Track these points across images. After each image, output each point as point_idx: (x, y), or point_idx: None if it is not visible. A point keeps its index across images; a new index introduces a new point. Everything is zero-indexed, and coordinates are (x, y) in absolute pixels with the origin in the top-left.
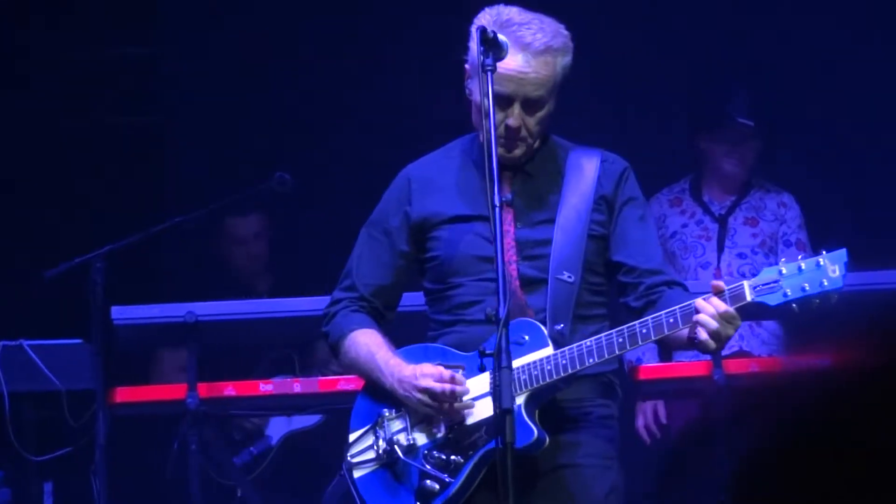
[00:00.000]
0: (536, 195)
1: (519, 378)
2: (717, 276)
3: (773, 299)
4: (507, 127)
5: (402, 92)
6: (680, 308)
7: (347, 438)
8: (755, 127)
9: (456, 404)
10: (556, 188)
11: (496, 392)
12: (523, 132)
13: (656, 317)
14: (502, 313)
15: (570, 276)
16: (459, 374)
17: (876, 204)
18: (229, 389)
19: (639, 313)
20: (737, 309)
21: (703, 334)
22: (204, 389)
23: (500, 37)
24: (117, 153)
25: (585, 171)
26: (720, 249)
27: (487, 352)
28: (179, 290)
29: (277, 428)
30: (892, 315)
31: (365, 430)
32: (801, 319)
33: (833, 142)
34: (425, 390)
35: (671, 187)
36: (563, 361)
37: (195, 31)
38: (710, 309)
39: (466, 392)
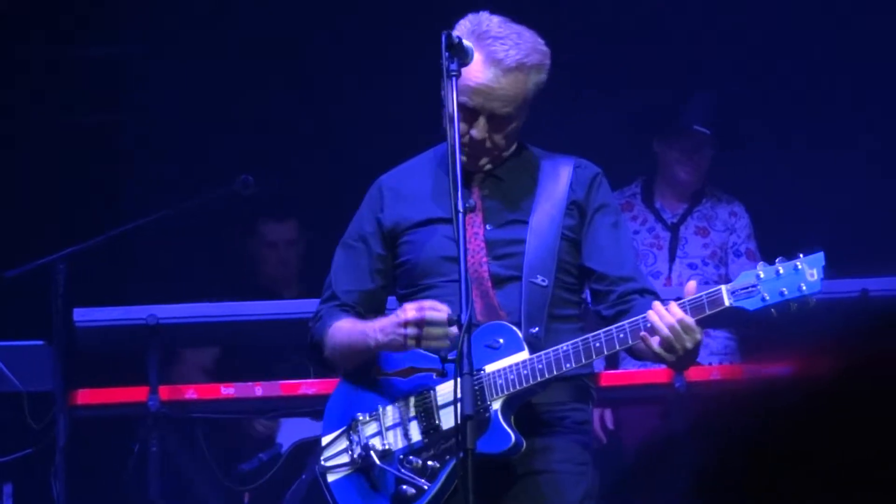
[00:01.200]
0: (507, 198)
1: (495, 382)
2: (668, 286)
3: (751, 304)
4: (472, 138)
5: (377, 97)
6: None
7: (320, 442)
8: (710, 135)
9: (441, 331)
10: (528, 193)
11: (462, 398)
12: (488, 144)
13: (633, 321)
14: (464, 319)
15: (543, 280)
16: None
17: (832, 212)
18: (190, 392)
19: (610, 321)
20: (713, 315)
21: (654, 343)
22: (165, 392)
23: (466, 42)
24: (81, 154)
25: (558, 177)
26: (671, 259)
27: (449, 358)
28: (142, 291)
29: (288, 434)
30: (852, 324)
31: (338, 433)
32: (758, 328)
33: (787, 149)
34: (407, 322)
35: (622, 191)
36: (540, 366)
37: (159, 31)
38: (663, 314)
39: (447, 314)
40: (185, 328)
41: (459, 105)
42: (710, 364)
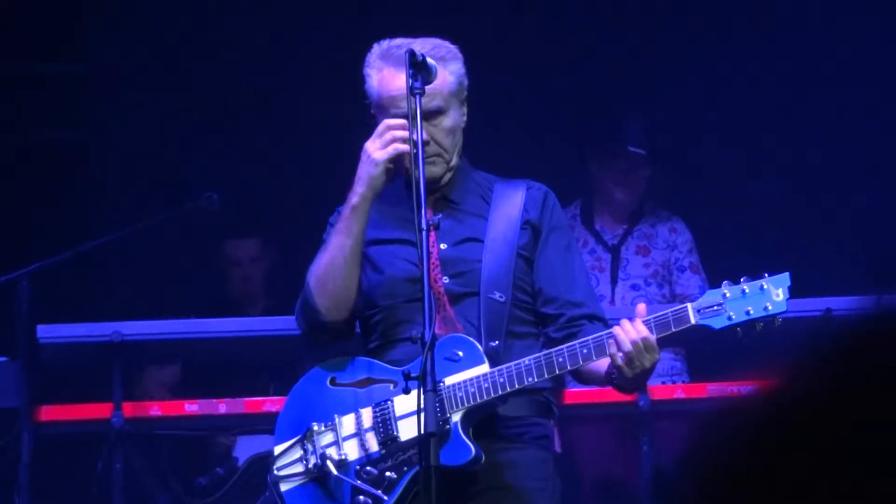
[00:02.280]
0: (460, 219)
1: (455, 395)
2: (612, 306)
3: (717, 322)
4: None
5: (343, 112)
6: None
7: (272, 451)
8: (647, 155)
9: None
10: (481, 214)
11: (425, 415)
12: (433, 146)
13: (597, 337)
14: (428, 336)
15: (501, 296)
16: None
17: (795, 231)
18: (155, 409)
19: (558, 344)
20: (677, 333)
21: (617, 358)
22: (129, 409)
23: (429, 60)
24: (45, 170)
25: (511, 198)
26: (613, 281)
27: (412, 375)
28: (107, 308)
29: (245, 449)
30: (815, 342)
31: (292, 442)
32: (703, 348)
33: (726, 168)
34: (381, 133)
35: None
36: (501, 380)
37: (124, 47)
38: (628, 329)
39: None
40: (149, 345)
41: (396, 117)
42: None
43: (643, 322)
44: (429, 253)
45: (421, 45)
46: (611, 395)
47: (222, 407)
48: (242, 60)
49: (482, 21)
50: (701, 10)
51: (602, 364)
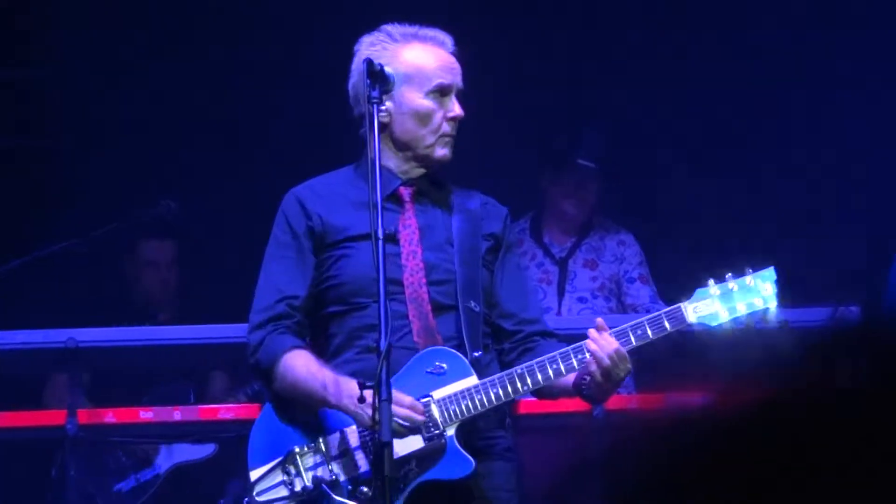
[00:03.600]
0: (435, 217)
1: (448, 409)
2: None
3: (713, 319)
4: (455, 119)
5: (305, 116)
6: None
7: (248, 476)
8: (597, 168)
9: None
10: (448, 217)
11: (381, 425)
12: (454, 127)
13: (577, 346)
14: (383, 346)
15: (475, 306)
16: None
17: (751, 245)
18: (109, 416)
19: (512, 358)
20: (676, 335)
21: (597, 375)
22: (84, 416)
23: (387, 69)
24: (2, 176)
25: (472, 208)
26: (560, 294)
27: (367, 384)
28: (61, 315)
29: (167, 457)
30: (771, 353)
31: (272, 466)
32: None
33: (678, 183)
34: (406, 417)
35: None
36: (495, 391)
37: (83, 53)
38: (602, 343)
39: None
40: (104, 352)
41: (437, 87)
42: None
43: (632, 327)
44: (410, 252)
45: (445, 34)
46: (565, 405)
47: (177, 414)
48: (202, 63)
49: (441, 25)
50: (657, 22)
51: (570, 376)
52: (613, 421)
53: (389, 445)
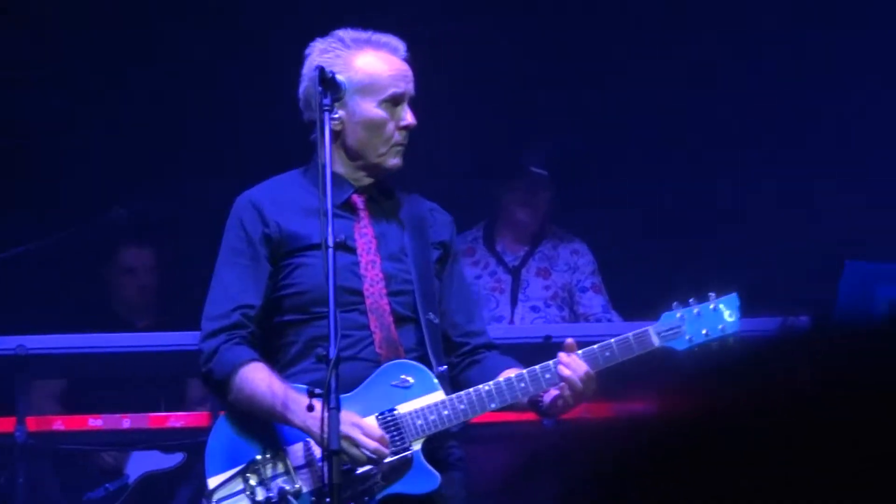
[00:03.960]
0: (389, 225)
1: (413, 423)
2: None
3: (678, 344)
4: (407, 127)
5: (271, 120)
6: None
7: (206, 484)
8: (549, 176)
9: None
10: (400, 225)
11: (329, 433)
12: (406, 136)
13: (545, 365)
14: (332, 354)
15: (434, 318)
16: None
17: (685, 253)
18: (58, 424)
19: (460, 371)
20: (641, 356)
21: (568, 398)
22: (33, 423)
23: (339, 77)
24: None
25: (421, 215)
26: (513, 303)
27: (317, 392)
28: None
29: (137, 466)
30: (717, 363)
31: (231, 473)
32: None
33: (634, 190)
34: (349, 438)
35: (464, 235)
36: (462, 407)
37: (34, 56)
38: (574, 366)
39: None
40: (55, 359)
41: (390, 97)
42: None
43: (598, 347)
44: (369, 262)
45: (398, 40)
46: (514, 414)
47: (126, 422)
48: (161, 65)
49: (392, 30)
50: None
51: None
52: (563, 429)
53: (338, 454)
